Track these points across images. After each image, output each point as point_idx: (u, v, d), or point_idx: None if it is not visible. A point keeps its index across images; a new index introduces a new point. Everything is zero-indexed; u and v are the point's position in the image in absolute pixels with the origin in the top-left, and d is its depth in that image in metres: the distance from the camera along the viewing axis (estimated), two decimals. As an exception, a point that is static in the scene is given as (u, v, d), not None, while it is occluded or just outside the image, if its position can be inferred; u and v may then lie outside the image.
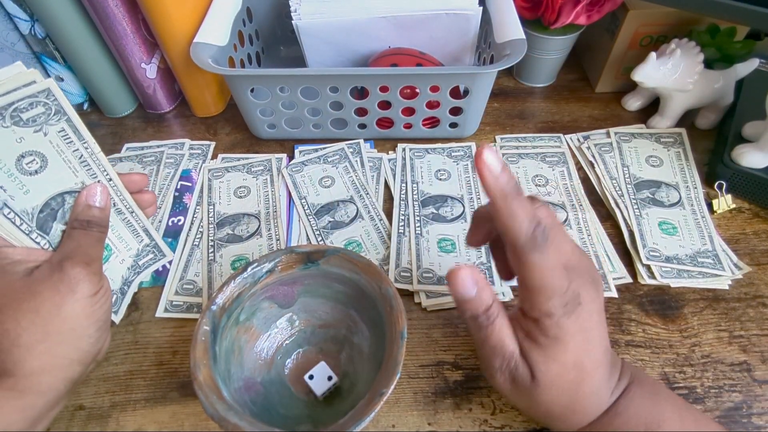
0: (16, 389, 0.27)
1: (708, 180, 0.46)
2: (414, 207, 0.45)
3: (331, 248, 0.34)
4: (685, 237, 0.42)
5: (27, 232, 0.29)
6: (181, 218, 0.45)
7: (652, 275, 0.39)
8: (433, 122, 0.50)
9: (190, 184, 0.48)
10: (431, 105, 0.47)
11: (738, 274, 0.39)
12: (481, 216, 0.29)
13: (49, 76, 0.52)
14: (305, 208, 0.45)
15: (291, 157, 0.51)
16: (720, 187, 0.44)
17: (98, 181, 0.32)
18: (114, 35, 0.48)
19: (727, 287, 0.39)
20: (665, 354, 0.36)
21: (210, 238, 0.43)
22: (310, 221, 0.44)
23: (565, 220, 0.44)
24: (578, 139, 0.51)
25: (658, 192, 0.45)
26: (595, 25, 0.51)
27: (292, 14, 0.49)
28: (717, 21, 0.47)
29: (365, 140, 0.51)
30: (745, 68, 0.47)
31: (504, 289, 0.39)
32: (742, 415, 0.33)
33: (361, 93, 0.48)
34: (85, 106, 0.57)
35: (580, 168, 0.48)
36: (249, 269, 0.33)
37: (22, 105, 0.27)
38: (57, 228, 0.31)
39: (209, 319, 0.31)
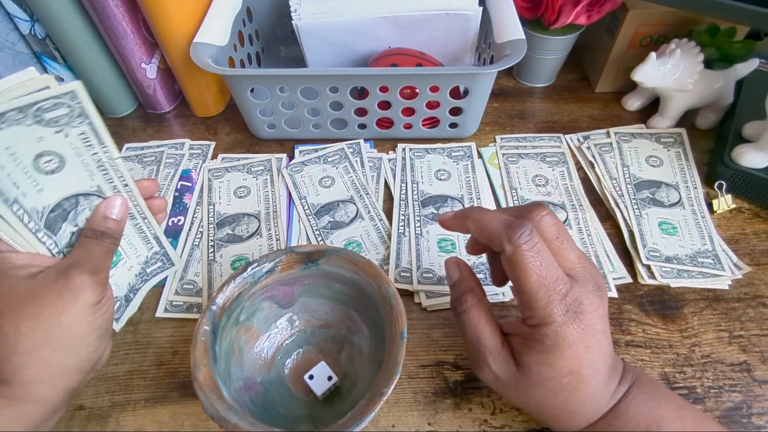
0: (13, 398, 0.26)
1: (708, 180, 0.46)
2: (414, 207, 0.45)
3: (331, 248, 0.34)
4: (685, 237, 0.41)
5: (33, 231, 0.29)
6: (181, 218, 0.45)
7: (652, 275, 0.39)
8: (433, 122, 0.50)
9: (190, 184, 0.48)
10: (431, 105, 0.47)
11: (738, 274, 0.39)
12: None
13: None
14: (305, 208, 0.45)
15: (291, 157, 0.51)
16: (720, 187, 0.44)
17: (116, 190, 0.32)
18: (114, 35, 0.48)
19: (727, 287, 0.39)
20: (665, 354, 0.36)
21: (210, 238, 0.43)
22: (310, 221, 0.44)
23: (565, 220, 0.44)
24: (578, 139, 0.51)
25: (658, 192, 0.45)
26: (595, 25, 0.51)
27: (292, 14, 0.49)
28: (717, 21, 0.47)
29: (365, 140, 0.51)
30: (745, 68, 0.47)
31: (504, 289, 0.39)
32: (742, 415, 0.33)
33: (361, 93, 0.48)
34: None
35: (580, 168, 0.48)
36: (249, 269, 0.33)
37: (46, 105, 0.27)
38: (66, 229, 0.30)
39: (209, 319, 0.31)
